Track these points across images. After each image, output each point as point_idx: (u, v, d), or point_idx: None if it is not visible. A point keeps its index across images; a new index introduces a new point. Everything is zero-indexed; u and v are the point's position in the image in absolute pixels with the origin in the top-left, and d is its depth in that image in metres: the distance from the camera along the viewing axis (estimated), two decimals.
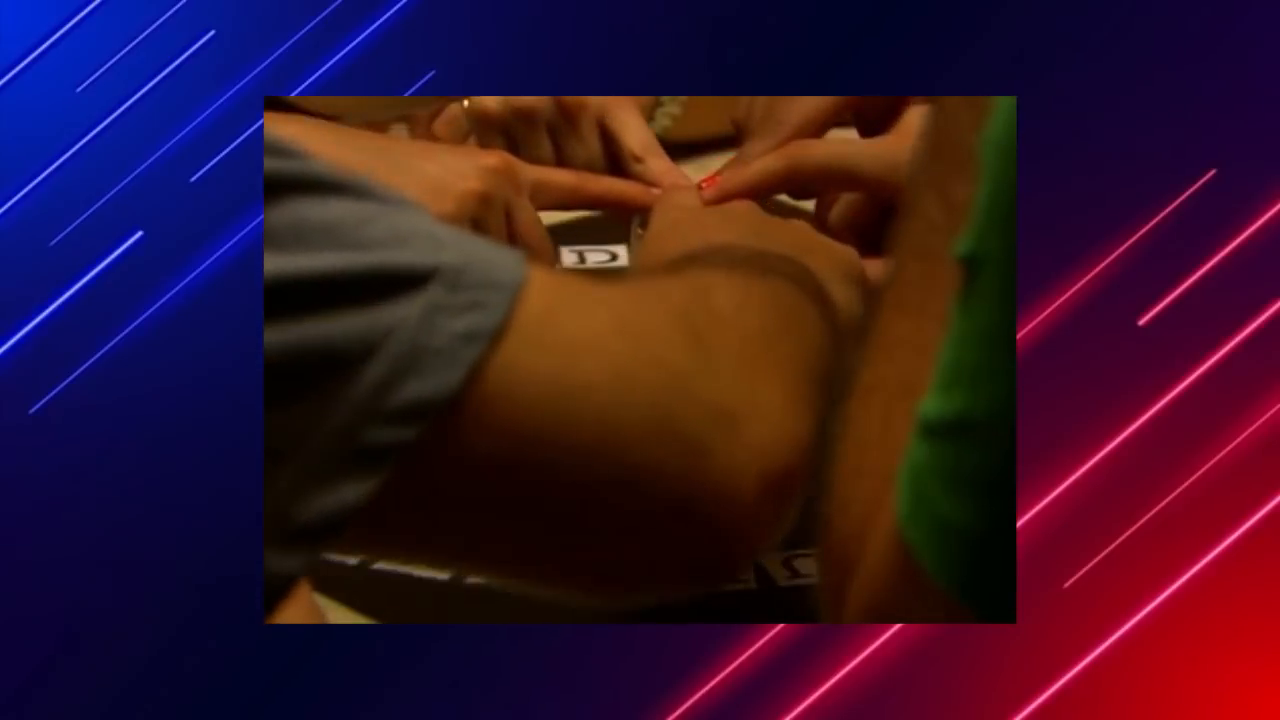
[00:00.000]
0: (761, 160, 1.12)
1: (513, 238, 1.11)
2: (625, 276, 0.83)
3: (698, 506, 0.76)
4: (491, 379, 0.72)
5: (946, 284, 0.67)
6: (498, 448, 0.73)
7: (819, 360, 0.82)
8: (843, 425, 0.75)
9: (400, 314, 0.70)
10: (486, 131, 1.20)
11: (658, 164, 1.18)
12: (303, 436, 0.70)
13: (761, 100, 1.15)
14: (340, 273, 0.70)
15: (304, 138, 1.03)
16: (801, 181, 1.13)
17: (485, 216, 1.08)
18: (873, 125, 1.15)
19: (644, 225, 1.13)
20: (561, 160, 1.20)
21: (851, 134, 1.19)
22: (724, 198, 1.10)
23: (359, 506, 0.71)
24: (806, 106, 1.13)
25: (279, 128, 1.04)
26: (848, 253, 1.04)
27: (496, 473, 0.73)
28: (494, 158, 1.11)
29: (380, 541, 0.78)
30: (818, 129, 1.14)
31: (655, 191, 1.15)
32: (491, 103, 1.19)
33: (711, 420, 0.76)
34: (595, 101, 1.19)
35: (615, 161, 1.20)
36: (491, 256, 0.75)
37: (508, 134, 1.20)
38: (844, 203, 1.15)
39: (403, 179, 1.06)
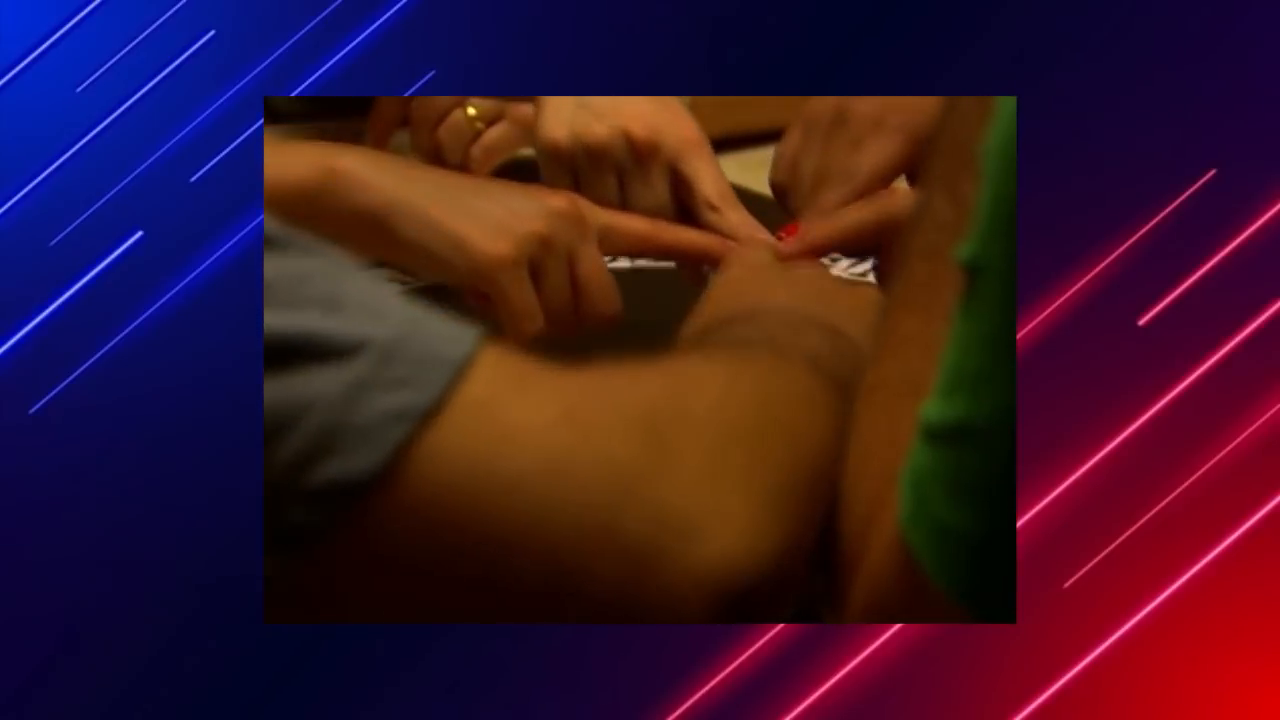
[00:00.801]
0: (850, 210, 1.04)
1: (575, 283, 1.05)
2: (597, 363, 0.77)
3: (639, 618, 0.70)
4: (416, 461, 0.67)
5: (953, 283, 0.67)
6: (415, 533, 0.68)
7: (816, 461, 0.75)
8: (848, 425, 0.74)
9: (322, 386, 0.66)
10: (554, 168, 1.13)
11: (734, 215, 1.10)
12: None
13: (810, 158, 1.07)
14: (265, 332, 0.66)
15: (362, 170, 1.01)
16: (891, 234, 1.02)
17: (545, 260, 1.02)
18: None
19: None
20: (626, 204, 1.13)
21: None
22: (807, 250, 1.02)
23: (269, 582, 0.68)
24: (876, 158, 1.05)
25: (340, 158, 1.02)
26: None
27: (413, 559, 0.69)
28: (561, 199, 1.04)
29: (295, 618, 0.74)
30: (888, 179, 1.06)
31: (731, 244, 1.08)
32: (561, 138, 1.12)
33: (661, 527, 0.69)
34: (670, 145, 1.12)
35: (684, 208, 1.13)
36: (439, 330, 0.69)
37: (574, 171, 1.13)
38: None
39: (461, 217, 1.01)
